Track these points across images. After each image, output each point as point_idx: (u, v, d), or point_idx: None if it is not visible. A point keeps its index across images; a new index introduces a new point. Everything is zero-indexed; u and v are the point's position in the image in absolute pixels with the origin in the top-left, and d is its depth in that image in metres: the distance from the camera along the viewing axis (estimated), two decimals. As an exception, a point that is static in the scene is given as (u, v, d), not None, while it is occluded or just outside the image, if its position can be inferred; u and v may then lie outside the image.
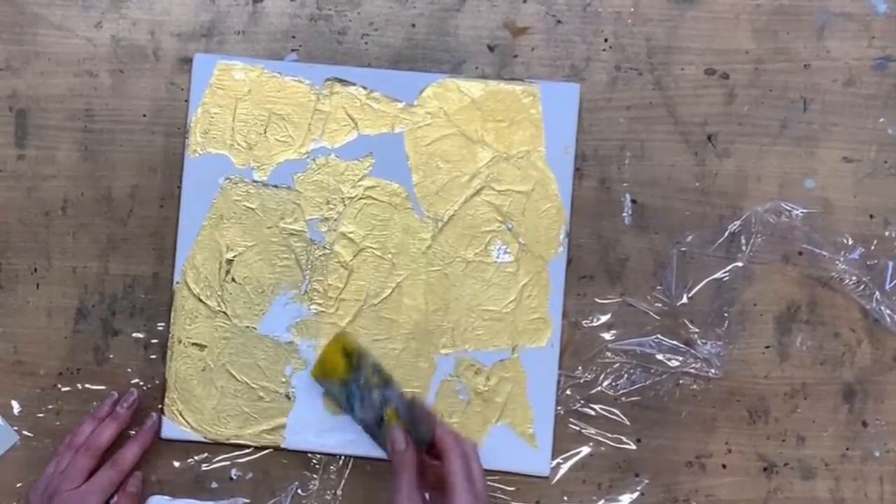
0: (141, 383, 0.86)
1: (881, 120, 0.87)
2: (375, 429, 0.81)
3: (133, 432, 0.85)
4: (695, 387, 0.86)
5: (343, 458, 0.85)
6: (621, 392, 0.86)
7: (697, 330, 0.86)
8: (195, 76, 0.86)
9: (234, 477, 0.86)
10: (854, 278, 0.86)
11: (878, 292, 0.86)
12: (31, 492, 0.82)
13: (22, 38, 0.88)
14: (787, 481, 0.86)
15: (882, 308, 0.86)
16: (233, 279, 0.86)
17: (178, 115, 0.87)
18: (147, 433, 0.84)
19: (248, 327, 0.85)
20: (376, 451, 0.84)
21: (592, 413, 0.86)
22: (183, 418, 0.85)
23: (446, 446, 0.75)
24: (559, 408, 0.86)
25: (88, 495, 0.80)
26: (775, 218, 0.86)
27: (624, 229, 0.87)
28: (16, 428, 0.86)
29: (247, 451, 0.86)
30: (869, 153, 0.87)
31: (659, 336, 0.86)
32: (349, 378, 0.82)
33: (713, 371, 0.86)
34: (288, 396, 0.85)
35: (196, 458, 0.86)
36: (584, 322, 0.86)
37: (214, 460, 0.86)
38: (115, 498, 0.82)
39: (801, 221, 0.86)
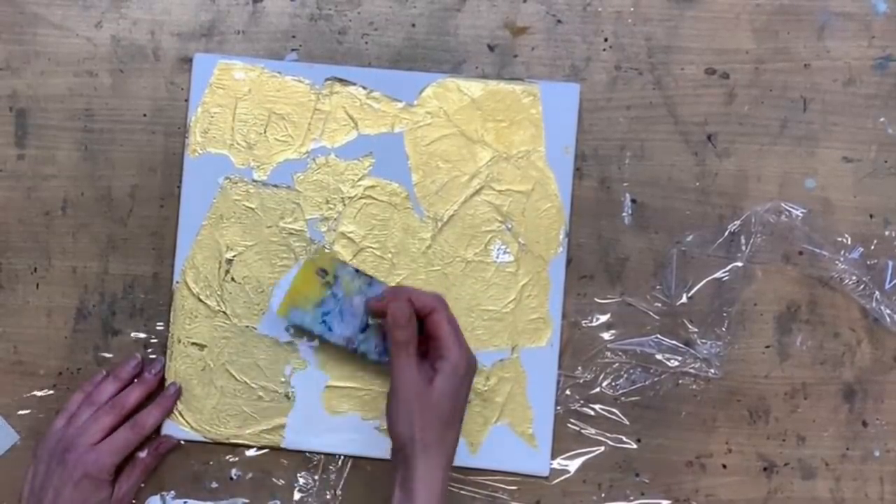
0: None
1: (881, 120, 0.87)
2: (359, 338, 0.81)
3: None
4: (695, 387, 0.86)
5: (343, 458, 0.86)
6: (621, 392, 0.86)
7: (697, 330, 0.86)
8: (195, 76, 0.86)
9: (234, 477, 0.86)
10: (854, 278, 0.86)
11: (878, 292, 0.86)
12: (38, 444, 0.82)
13: (22, 38, 0.88)
14: (788, 481, 0.86)
15: (882, 308, 0.86)
16: (232, 279, 0.86)
17: (178, 114, 0.87)
18: (169, 399, 0.84)
19: (247, 327, 0.85)
20: (376, 451, 0.84)
21: (592, 413, 0.86)
22: (183, 418, 0.85)
23: (428, 306, 0.76)
24: (559, 408, 0.86)
25: (106, 454, 0.80)
26: (775, 218, 0.86)
27: (624, 229, 0.87)
28: (16, 428, 0.86)
29: (247, 450, 0.86)
30: (869, 153, 0.87)
31: (658, 336, 0.86)
32: (324, 297, 0.81)
33: (713, 371, 0.86)
34: (287, 396, 0.85)
35: (196, 458, 0.86)
36: (583, 322, 0.86)
37: (214, 460, 0.86)
38: (129, 465, 0.83)
39: (801, 221, 0.86)
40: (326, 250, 0.85)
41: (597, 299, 0.87)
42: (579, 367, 0.86)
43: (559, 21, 0.88)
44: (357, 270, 0.82)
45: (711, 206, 0.87)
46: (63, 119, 0.87)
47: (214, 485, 0.86)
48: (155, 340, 0.86)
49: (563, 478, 0.85)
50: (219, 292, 0.86)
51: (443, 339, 0.75)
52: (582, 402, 0.86)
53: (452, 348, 0.75)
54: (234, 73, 0.86)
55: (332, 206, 0.86)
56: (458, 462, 0.84)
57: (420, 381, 0.74)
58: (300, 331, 0.84)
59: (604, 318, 0.86)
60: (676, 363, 0.86)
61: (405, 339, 0.75)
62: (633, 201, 0.87)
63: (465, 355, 0.76)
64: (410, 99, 0.86)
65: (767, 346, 0.86)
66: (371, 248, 0.86)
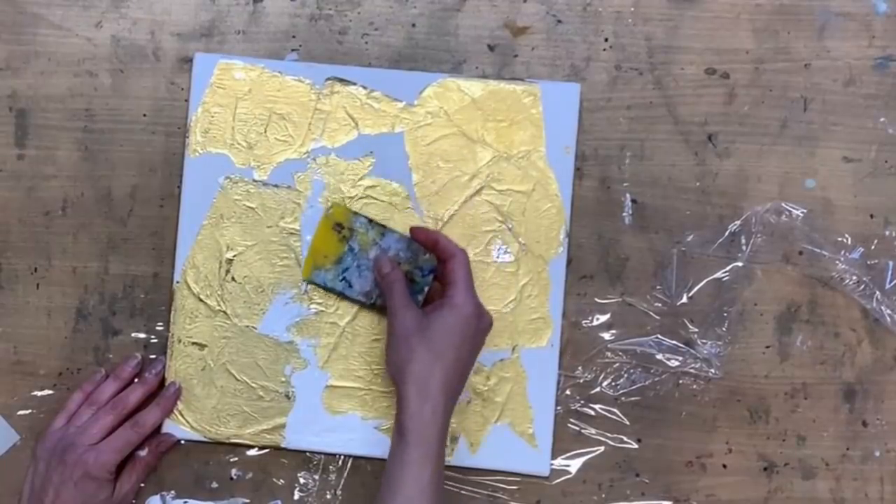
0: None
1: (881, 120, 0.87)
2: (376, 292, 0.83)
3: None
4: (695, 387, 0.86)
5: (343, 457, 0.85)
6: (621, 392, 0.86)
7: (697, 330, 0.86)
8: (196, 75, 0.86)
9: (234, 477, 0.86)
10: (854, 278, 0.86)
11: (878, 292, 0.86)
12: (38, 444, 0.82)
13: (22, 38, 0.88)
14: (788, 481, 0.86)
15: (882, 308, 0.86)
16: (233, 278, 0.86)
17: (178, 114, 0.87)
18: (169, 399, 0.84)
19: (247, 327, 0.85)
20: (376, 451, 0.84)
21: (592, 413, 0.86)
22: (183, 418, 0.85)
23: (450, 251, 0.80)
24: (559, 408, 0.86)
25: (107, 453, 0.80)
26: (775, 218, 0.87)
27: (624, 229, 0.87)
28: (16, 428, 0.86)
29: (247, 450, 0.86)
30: (869, 153, 0.87)
31: (659, 336, 0.86)
32: (342, 253, 0.83)
33: (713, 371, 0.86)
34: (288, 396, 0.85)
35: (196, 458, 0.86)
36: (584, 322, 0.86)
37: (214, 460, 0.86)
38: (129, 463, 0.83)
39: (801, 221, 0.86)
40: (339, 203, 0.85)
41: (597, 299, 0.87)
42: (579, 367, 0.86)
43: (559, 21, 0.88)
44: (370, 220, 0.83)
45: (711, 206, 0.87)
46: (63, 119, 0.87)
47: (214, 485, 0.86)
48: (155, 340, 0.86)
49: (563, 478, 0.85)
50: (219, 292, 0.86)
51: (454, 283, 0.78)
52: (582, 402, 0.86)
53: (459, 292, 0.78)
54: (235, 73, 0.86)
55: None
56: (457, 462, 0.84)
57: (415, 318, 0.77)
58: (323, 290, 0.85)
59: (604, 318, 0.86)
60: (677, 363, 0.86)
61: (394, 278, 0.79)
62: (634, 201, 0.87)
63: (470, 302, 0.78)
64: (411, 99, 0.86)
65: (767, 346, 0.86)
66: (371, 247, 0.86)
